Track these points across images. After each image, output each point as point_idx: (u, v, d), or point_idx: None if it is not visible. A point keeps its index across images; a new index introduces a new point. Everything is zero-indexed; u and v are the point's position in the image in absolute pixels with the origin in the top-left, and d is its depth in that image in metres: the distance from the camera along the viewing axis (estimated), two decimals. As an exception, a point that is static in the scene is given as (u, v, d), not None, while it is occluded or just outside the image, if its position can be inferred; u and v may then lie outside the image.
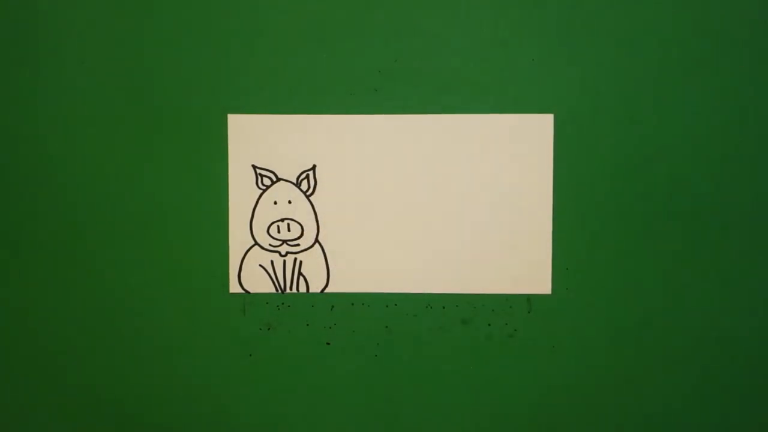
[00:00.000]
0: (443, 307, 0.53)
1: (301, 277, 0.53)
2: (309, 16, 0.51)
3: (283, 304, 0.53)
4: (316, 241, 0.53)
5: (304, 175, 0.52)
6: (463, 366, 0.53)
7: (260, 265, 0.53)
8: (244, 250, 0.53)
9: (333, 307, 0.53)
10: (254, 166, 0.52)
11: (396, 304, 0.53)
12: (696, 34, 0.51)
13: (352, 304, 0.53)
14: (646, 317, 0.52)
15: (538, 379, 0.53)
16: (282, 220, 0.53)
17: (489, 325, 0.53)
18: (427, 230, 0.52)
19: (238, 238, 0.52)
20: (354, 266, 0.53)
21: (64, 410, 0.53)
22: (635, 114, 0.52)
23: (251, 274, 0.53)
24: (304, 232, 0.53)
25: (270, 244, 0.53)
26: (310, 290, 0.53)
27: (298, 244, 0.53)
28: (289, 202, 0.52)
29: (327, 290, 0.53)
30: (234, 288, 0.53)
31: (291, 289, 0.53)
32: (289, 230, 0.53)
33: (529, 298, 0.53)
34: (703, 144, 0.52)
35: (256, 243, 0.53)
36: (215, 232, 0.52)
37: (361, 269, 0.53)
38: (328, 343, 0.53)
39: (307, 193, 0.52)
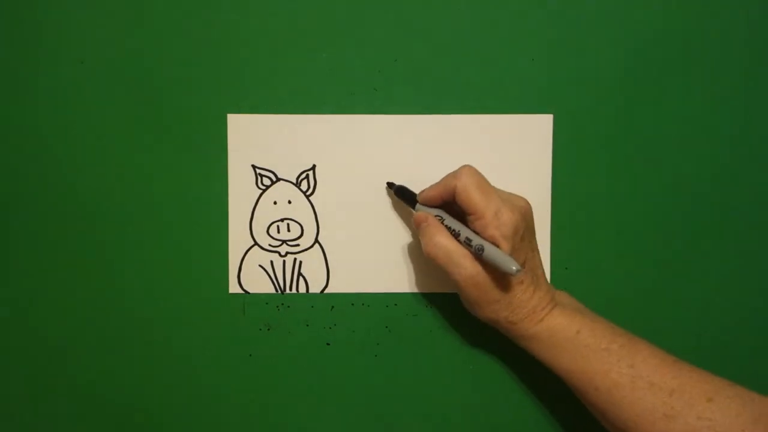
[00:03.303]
0: (443, 307, 0.53)
1: (301, 278, 0.53)
2: (309, 16, 0.51)
3: (282, 304, 0.53)
4: (316, 241, 0.53)
5: (304, 175, 0.52)
6: (463, 366, 0.53)
7: (260, 266, 0.53)
8: (244, 251, 0.52)
9: (333, 307, 0.53)
10: (254, 166, 0.52)
11: (396, 304, 0.53)
12: (696, 34, 0.52)
13: (352, 304, 0.53)
14: (646, 317, 0.52)
15: (538, 379, 0.53)
16: (282, 220, 0.53)
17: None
18: (427, 230, 0.52)
19: (237, 239, 0.52)
20: (354, 266, 0.53)
21: (63, 410, 0.53)
22: (635, 114, 0.52)
23: (251, 274, 0.53)
24: (304, 232, 0.53)
25: (270, 245, 0.53)
26: (310, 290, 0.53)
27: (297, 245, 0.53)
28: (289, 202, 0.52)
29: (327, 290, 0.53)
30: (234, 288, 0.53)
31: (291, 289, 0.53)
32: (288, 230, 0.53)
33: (529, 298, 0.53)
34: (702, 144, 0.52)
35: (255, 243, 0.53)
36: (215, 232, 0.52)
37: (361, 269, 0.53)
38: (328, 344, 0.53)
39: (307, 193, 0.52)
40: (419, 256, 0.52)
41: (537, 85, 0.52)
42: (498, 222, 0.44)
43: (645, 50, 0.52)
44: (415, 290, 0.53)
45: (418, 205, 0.49)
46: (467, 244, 0.45)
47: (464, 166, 0.47)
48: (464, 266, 0.45)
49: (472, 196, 0.45)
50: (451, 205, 0.47)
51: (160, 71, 0.51)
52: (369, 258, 0.53)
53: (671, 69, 0.52)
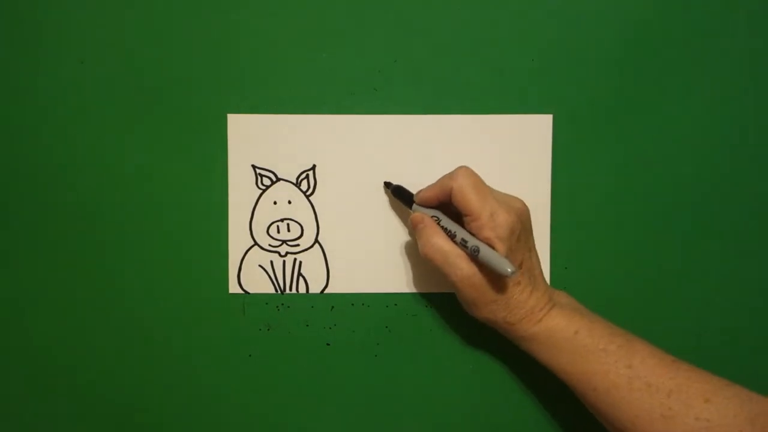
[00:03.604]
0: (443, 307, 0.53)
1: (301, 278, 0.53)
2: (309, 16, 0.51)
3: (282, 304, 0.53)
4: (316, 241, 0.53)
5: (304, 175, 0.52)
6: (463, 366, 0.53)
7: (260, 266, 0.53)
8: (244, 251, 0.52)
9: (333, 307, 0.53)
10: (254, 166, 0.52)
11: (396, 304, 0.53)
12: (696, 34, 0.52)
13: (352, 304, 0.53)
14: (646, 317, 0.52)
15: (538, 379, 0.53)
16: (282, 220, 0.53)
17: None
18: (427, 230, 0.52)
19: (237, 239, 0.52)
20: (354, 266, 0.53)
21: (63, 410, 0.53)
22: (634, 115, 0.52)
23: (251, 274, 0.53)
24: (304, 233, 0.53)
25: (270, 245, 0.53)
26: (310, 291, 0.53)
27: (297, 245, 0.53)
28: (289, 202, 0.52)
29: (327, 290, 0.53)
30: (233, 288, 0.53)
31: (291, 289, 0.53)
32: (288, 230, 0.53)
33: (528, 298, 0.52)
34: (702, 144, 0.52)
35: (255, 243, 0.53)
36: (215, 232, 0.52)
37: (361, 269, 0.53)
38: (328, 344, 0.53)
39: (307, 193, 0.52)
40: (419, 256, 0.52)
41: (537, 85, 0.52)
42: (494, 224, 0.44)
43: (645, 50, 0.52)
44: (415, 290, 0.53)
45: (414, 206, 0.49)
46: (463, 245, 0.45)
47: (460, 167, 0.47)
48: (460, 267, 0.45)
49: (467, 198, 0.45)
50: (447, 205, 0.47)
51: (160, 71, 0.51)
52: (369, 258, 0.53)
53: (671, 69, 0.52)
